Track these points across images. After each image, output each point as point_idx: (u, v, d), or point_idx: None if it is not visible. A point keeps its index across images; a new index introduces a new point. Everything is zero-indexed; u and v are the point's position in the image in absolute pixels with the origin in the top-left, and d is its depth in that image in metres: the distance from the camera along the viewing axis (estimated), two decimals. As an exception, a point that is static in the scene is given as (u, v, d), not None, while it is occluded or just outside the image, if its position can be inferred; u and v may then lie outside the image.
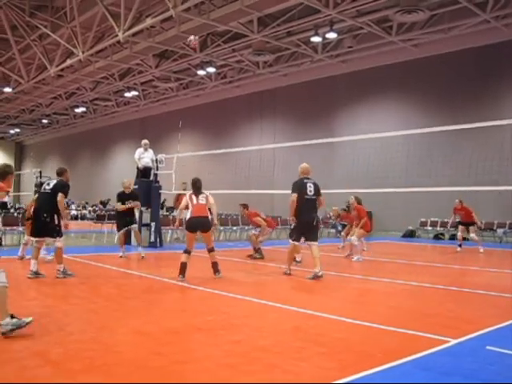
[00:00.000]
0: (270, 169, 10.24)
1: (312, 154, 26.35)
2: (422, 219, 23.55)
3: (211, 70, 28.86)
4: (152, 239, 15.50)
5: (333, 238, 22.86)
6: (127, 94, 35.61)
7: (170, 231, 18.32)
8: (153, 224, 15.55)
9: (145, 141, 16.39)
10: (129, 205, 12.86)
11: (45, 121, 47.08)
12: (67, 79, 30.41)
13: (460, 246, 16.28)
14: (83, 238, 19.78)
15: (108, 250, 14.70)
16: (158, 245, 15.58)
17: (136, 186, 16.06)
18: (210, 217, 9.56)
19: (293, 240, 10.14)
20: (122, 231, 13.06)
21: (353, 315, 6.50)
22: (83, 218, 32.09)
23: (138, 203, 13.16)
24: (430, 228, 23.33)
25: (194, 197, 9.62)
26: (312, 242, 10.01)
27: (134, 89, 34.53)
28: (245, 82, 31.73)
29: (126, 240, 13.48)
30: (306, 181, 9.94)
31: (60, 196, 9.17)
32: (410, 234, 23.80)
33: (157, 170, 16.15)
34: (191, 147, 31.84)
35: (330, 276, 10.45)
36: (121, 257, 12.78)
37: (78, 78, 30.27)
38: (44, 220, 9.15)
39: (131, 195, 13.11)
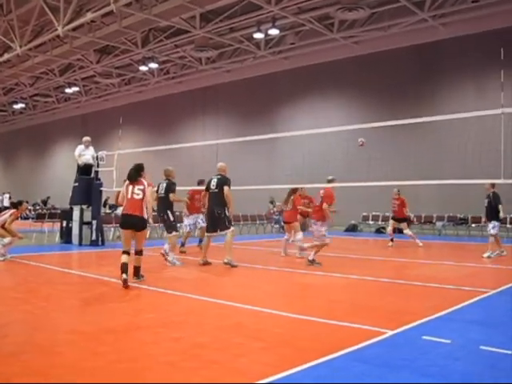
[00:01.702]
0: (213, 165, 10.19)
1: (255, 150, 26.59)
2: (364, 213, 23.96)
3: (153, 65, 28.57)
4: (93, 237, 15.25)
5: (276, 233, 22.98)
6: (68, 90, 34.87)
7: (112, 229, 18.07)
8: (94, 222, 15.30)
9: (86, 138, 16.11)
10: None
11: (-19, 116, 45.80)
12: (5, 74, 29.56)
13: (392, 240, 16.09)
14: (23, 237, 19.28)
15: (48, 249, 14.40)
16: (100, 243, 15.34)
17: (76, 184, 15.82)
18: (145, 215, 8.52)
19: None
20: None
21: (293, 310, 6.56)
22: (26, 217, 31.27)
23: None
24: (371, 222, 23.75)
25: (129, 187, 8.62)
26: (222, 232, 10.92)
27: (75, 84, 33.85)
28: (188, 78, 31.56)
29: None
30: (213, 177, 10.99)
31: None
32: (352, 228, 24.16)
33: (97, 167, 15.89)
34: (133, 144, 31.56)
35: (271, 271, 10.53)
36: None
37: (16, 73, 29.46)
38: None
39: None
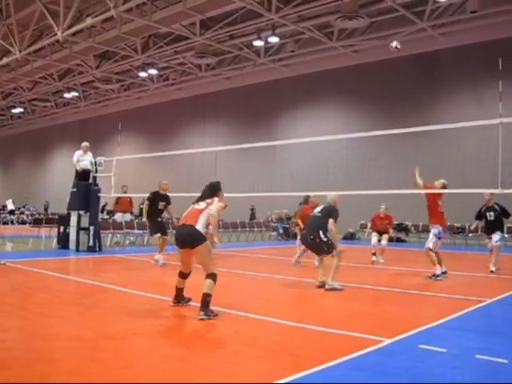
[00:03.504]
0: (212, 171, 10.23)
1: (254, 157, 26.62)
2: (362, 221, 23.95)
3: (153, 71, 28.63)
4: (91, 243, 15.21)
5: (274, 240, 22.99)
6: (67, 95, 34.91)
7: (109, 235, 18.05)
8: (91, 228, 15.27)
9: (85, 143, 16.10)
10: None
11: (-21, 121, 45.78)
12: (3, 78, 29.61)
13: (375, 254, 14.37)
14: (20, 242, 19.28)
15: (46, 254, 14.37)
16: (97, 249, 15.31)
17: (74, 189, 15.79)
18: (199, 227, 6.70)
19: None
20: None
21: (290, 317, 6.55)
22: (24, 222, 31.19)
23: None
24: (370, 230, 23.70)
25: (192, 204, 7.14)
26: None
27: (74, 89, 33.90)
28: (187, 85, 31.62)
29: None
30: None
31: None
32: (350, 237, 24.15)
33: (96, 172, 15.88)
34: (132, 150, 31.58)
35: (269, 278, 10.53)
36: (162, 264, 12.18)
37: (14, 78, 29.52)
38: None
39: (166, 197, 12.70)
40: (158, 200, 12.46)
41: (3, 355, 4.78)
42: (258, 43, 23.84)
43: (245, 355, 4.98)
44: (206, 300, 6.40)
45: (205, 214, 6.76)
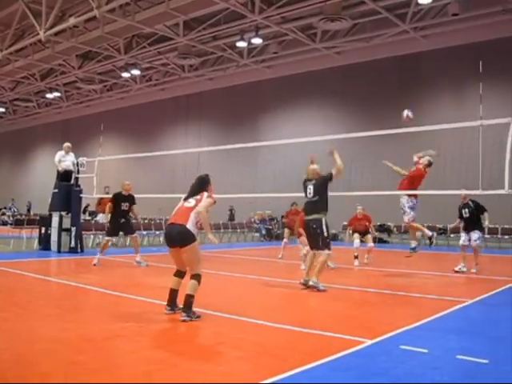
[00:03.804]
0: (195, 172, 10.14)
1: (237, 158, 26.49)
2: (344, 223, 23.99)
3: (136, 72, 28.51)
4: (72, 244, 15.13)
5: (257, 241, 23.01)
6: (49, 95, 34.64)
7: (91, 236, 17.95)
8: (73, 229, 15.18)
9: (66, 144, 16.02)
10: None
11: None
12: (-16, 78, 29.38)
13: (356, 257, 14.00)
14: (0, 243, 19.10)
15: (27, 256, 14.25)
16: (79, 250, 15.22)
17: (56, 190, 15.70)
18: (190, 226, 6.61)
19: None
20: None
21: (271, 319, 6.55)
22: (5, 223, 30.88)
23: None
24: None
25: (182, 201, 6.98)
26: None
27: (57, 90, 33.65)
28: (170, 85, 31.56)
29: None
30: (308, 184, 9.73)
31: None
32: (332, 238, 24.14)
33: (78, 173, 15.79)
34: (115, 150, 31.41)
35: (251, 279, 10.54)
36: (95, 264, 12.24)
37: (-5, 77, 29.30)
38: None
39: (129, 198, 12.84)
40: (120, 201, 12.67)
41: (-18, 358, 4.74)
42: (241, 44, 23.84)
43: (225, 356, 4.98)
44: (188, 301, 6.36)
45: (195, 212, 6.67)
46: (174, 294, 6.84)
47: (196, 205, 6.73)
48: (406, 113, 11.18)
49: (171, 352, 5.10)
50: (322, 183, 9.45)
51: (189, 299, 6.37)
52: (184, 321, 6.23)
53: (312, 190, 9.45)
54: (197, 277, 6.50)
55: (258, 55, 25.97)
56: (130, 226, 13.10)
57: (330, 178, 9.47)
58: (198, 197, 6.84)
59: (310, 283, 9.01)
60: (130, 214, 13.06)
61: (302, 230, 11.63)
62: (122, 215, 12.71)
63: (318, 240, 9.21)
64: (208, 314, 6.77)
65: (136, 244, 12.99)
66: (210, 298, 8.02)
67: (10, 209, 37.39)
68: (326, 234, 9.22)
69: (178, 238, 6.60)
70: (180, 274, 6.91)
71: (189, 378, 4.29)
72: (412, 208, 11.31)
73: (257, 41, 23.29)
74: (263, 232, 23.59)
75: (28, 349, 5.12)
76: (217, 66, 27.71)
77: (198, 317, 6.38)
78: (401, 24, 20.88)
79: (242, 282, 10.54)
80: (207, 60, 27.52)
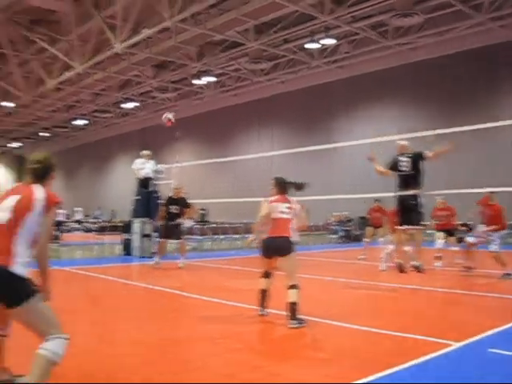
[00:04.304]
0: (268, 176, 10.12)
1: (311, 161, 26.51)
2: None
3: (209, 79, 28.92)
4: (153, 250, 15.47)
5: (334, 243, 22.85)
6: (126, 106, 35.65)
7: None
8: (155, 234, 15.53)
9: (146, 151, 16.42)
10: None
11: (45, 134, 47.09)
12: (66, 92, 30.53)
13: (439, 258, 12.96)
14: (85, 250, 19.77)
15: (110, 261, 14.67)
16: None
17: (137, 197, 16.11)
18: (295, 237, 6.98)
19: None
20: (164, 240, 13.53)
21: (356, 321, 6.49)
22: (88, 230, 31.95)
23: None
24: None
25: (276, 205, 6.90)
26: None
27: (133, 100, 34.56)
28: (242, 91, 31.80)
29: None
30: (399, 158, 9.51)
31: None
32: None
33: (157, 180, 16.16)
34: (191, 157, 31.94)
35: (330, 281, 10.47)
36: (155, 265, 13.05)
37: (76, 91, 30.41)
38: None
39: (179, 201, 13.40)
40: (169, 204, 13.33)
41: (72, 359, 4.91)
42: (312, 46, 23.76)
43: (310, 358, 4.97)
44: (293, 308, 6.32)
45: (293, 222, 6.85)
46: (264, 293, 6.82)
47: (293, 214, 6.88)
48: (166, 116, 10.31)
49: (254, 355, 5.13)
50: (417, 159, 9.19)
51: (292, 307, 6.33)
52: (294, 327, 6.13)
53: (409, 164, 9.19)
54: (295, 287, 6.47)
55: (330, 56, 25.78)
56: (178, 230, 13.53)
57: (423, 156, 9.14)
58: (289, 205, 6.90)
59: (413, 264, 9.09)
60: (182, 218, 13.60)
61: (394, 225, 11.19)
62: (171, 218, 13.27)
63: (415, 215, 9.04)
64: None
65: (182, 249, 13.57)
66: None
67: (95, 217, 38.71)
68: (421, 209, 9.05)
69: (281, 248, 6.68)
70: (268, 275, 6.88)
71: (274, 380, 4.30)
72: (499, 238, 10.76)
73: (328, 41, 23.14)
74: (341, 234, 23.41)
75: (114, 351, 5.28)
76: (288, 68, 27.71)
77: (305, 322, 6.31)
78: (476, 15, 20.23)
79: (322, 283, 10.48)
80: (278, 63, 27.55)
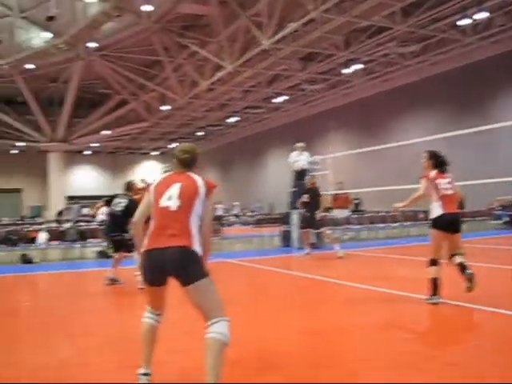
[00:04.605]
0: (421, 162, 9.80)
1: (467, 143, 25.23)
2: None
3: (357, 67, 28.65)
4: (312, 240, 15.66)
5: (498, 229, 21.74)
6: (276, 100, 36.26)
7: (327, 232, 18.35)
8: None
9: (300, 143, 16.63)
10: None
11: (200, 133, 49.16)
12: (218, 91, 31.66)
13: None
14: (244, 242, 20.44)
15: (270, 253, 15.05)
16: (318, 246, 15.72)
17: (294, 189, 16.38)
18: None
19: None
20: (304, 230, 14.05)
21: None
22: (246, 223, 33.02)
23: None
24: None
25: (440, 181, 6.90)
26: None
27: (282, 94, 35.06)
28: (392, 76, 31.05)
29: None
30: None
31: None
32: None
33: (312, 171, 16.32)
34: (343, 147, 31.73)
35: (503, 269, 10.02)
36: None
37: (228, 90, 31.44)
38: None
39: (310, 190, 13.89)
40: (304, 193, 13.90)
41: (246, 346, 5.13)
42: (464, 22, 22.68)
43: (487, 349, 4.82)
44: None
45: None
46: (437, 283, 6.71)
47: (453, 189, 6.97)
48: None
49: (430, 344, 5.05)
50: None
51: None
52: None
53: None
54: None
55: (483, 31, 24.45)
56: (314, 220, 13.72)
57: None
58: (449, 179, 7.01)
59: None
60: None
61: None
62: (306, 207, 13.82)
63: None
64: (460, 306, 6.59)
65: (329, 238, 14.05)
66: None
67: (254, 210, 39.88)
68: None
69: (458, 224, 6.91)
70: (436, 262, 6.77)
71: (451, 372, 4.23)
72: None
73: (481, 16, 21.99)
74: (505, 219, 22.20)
75: (290, 339, 5.45)
76: (438, 49, 26.68)
77: None
78: None
79: (494, 272, 10.02)
80: (428, 44, 26.61)
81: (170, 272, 3.77)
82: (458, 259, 6.62)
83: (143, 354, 3.96)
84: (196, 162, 4.28)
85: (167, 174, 4.20)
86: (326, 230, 14.04)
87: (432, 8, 21.18)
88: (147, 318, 4.05)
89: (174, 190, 3.95)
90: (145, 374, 3.90)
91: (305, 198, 13.68)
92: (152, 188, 4.08)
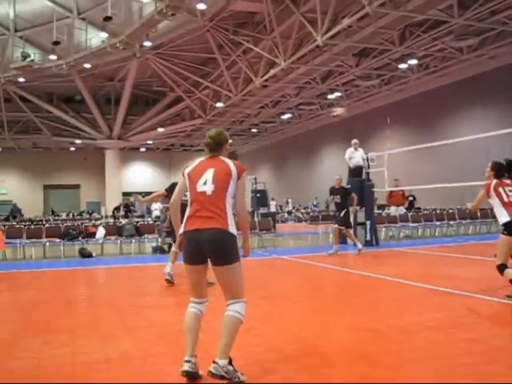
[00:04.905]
0: (482, 159, 9.53)
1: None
2: None
3: (413, 62, 28.21)
4: (368, 237, 15.54)
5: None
6: (330, 96, 36.05)
7: (383, 229, 18.19)
8: (368, 222, 15.59)
9: (354, 140, 16.52)
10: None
11: (254, 130, 49.33)
12: (272, 88, 31.65)
13: None
14: (299, 239, 20.43)
15: (325, 249, 15.00)
16: (374, 243, 15.59)
17: (349, 186, 16.29)
18: None
19: None
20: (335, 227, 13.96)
21: None
22: (300, 220, 33.07)
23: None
24: None
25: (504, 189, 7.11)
26: None
27: (337, 90, 34.83)
28: (449, 71, 30.39)
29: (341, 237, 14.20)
30: None
31: None
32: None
33: (368, 168, 16.19)
34: (400, 143, 31.30)
35: None
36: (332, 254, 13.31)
37: (281, 86, 31.39)
38: None
39: (339, 190, 13.71)
40: (331, 193, 13.89)
41: (305, 342, 5.13)
42: (524, 15, 22.04)
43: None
44: None
45: None
46: None
47: None
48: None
49: (490, 346, 4.94)
50: None
51: None
52: None
53: None
54: None
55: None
56: (344, 219, 13.68)
57: None
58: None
59: None
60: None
61: None
62: (336, 208, 13.77)
63: None
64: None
65: (350, 237, 14.07)
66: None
67: (312, 207, 39.85)
68: None
69: None
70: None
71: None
72: None
73: (541, 7, 21.31)
74: None
75: (347, 337, 5.43)
76: (498, 42, 26.00)
77: None
78: None
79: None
80: (486, 38, 25.96)
81: (208, 252, 4.07)
82: None
83: (186, 342, 4.17)
84: (222, 146, 4.42)
85: (201, 160, 4.42)
86: (349, 230, 14.03)
87: (490, 0, 20.64)
88: (191, 307, 4.30)
89: (209, 174, 4.20)
90: (187, 361, 4.08)
91: (336, 198, 13.59)
92: (186, 173, 4.34)
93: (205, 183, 4.18)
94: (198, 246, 4.10)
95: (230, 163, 4.25)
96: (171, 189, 9.20)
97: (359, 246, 13.43)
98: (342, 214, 13.63)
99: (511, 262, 7.03)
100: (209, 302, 4.37)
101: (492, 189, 7.07)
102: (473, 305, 6.84)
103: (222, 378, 3.96)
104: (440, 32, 23.96)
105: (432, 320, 5.96)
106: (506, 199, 6.96)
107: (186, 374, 4.03)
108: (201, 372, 4.10)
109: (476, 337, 5.22)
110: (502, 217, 6.95)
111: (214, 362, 3.99)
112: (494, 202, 7.07)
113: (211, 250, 4.05)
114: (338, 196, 13.58)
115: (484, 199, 7.33)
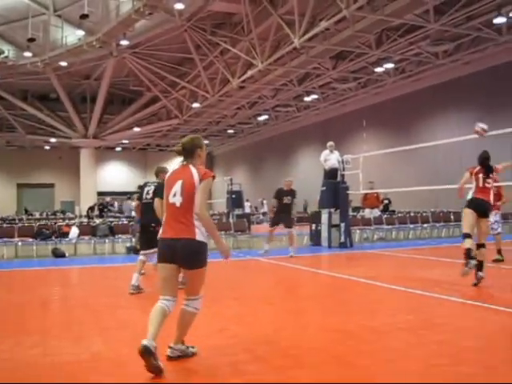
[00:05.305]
0: (457, 163, 9.62)
1: (503, 145, 24.78)
2: None
3: (389, 65, 28.40)
4: (342, 239, 15.62)
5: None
6: (307, 99, 36.14)
7: (357, 231, 18.29)
8: (342, 224, 15.67)
9: (330, 143, 16.59)
10: None
11: (230, 131, 49.25)
12: (249, 89, 31.66)
13: None
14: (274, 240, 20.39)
15: (299, 251, 15.02)
16: (349, 245, 15.67)
17: (324, 188, 16.37)
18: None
19: None
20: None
21: None
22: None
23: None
24: None
25: (481, 176, 8.56)
26: None
27: (313, 92, 34.94)
28: (424, 75, 30.67)
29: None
30: None
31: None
32: None
33: (343, 170, 16.27)
34: (375, 146, 31.46)
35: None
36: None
37: (258, 88, 31.42)
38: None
39: (290, 192, 13.89)
40: (280, 195, 13.84)
41: (280, 345, 5.13)
42: (499, 20, 22.26)
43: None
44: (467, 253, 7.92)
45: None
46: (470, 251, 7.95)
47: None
48: (479, 126, 9.60)
49: (460, 347, 4.98)
50: None
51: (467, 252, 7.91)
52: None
53: None
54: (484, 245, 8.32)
55: (519, 29, 24.00)
56: (288, 219, 13.93)
57: None
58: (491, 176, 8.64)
59: None
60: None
61: None
62: (282, 209, 13.75)
63: None
64: (490, 309, 6.51)
65: (291, 239, 13.91)
66: (488, 291, 7.70)
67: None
68: None
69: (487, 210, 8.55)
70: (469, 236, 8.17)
71: (490, 374, 4.17)
72: None
73: (516, 14, 21.59)
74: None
75: (315, 337, 5.45)
76: (473, 48, 26.28)
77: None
78: None
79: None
80: (462, 43, 26.24)
81: (179, 258, 4.42)
82: None
83: (148, 330, 4.27)
84: (194, 152, 4.62)
85: (177, 167, 4.66)
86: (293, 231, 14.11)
87: (466, 6, 20.86)
88: (159, 302, 4.49)
89: (177, 187, 4.49)
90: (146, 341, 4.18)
91: (286, 199, 13.77)
92: (166, 179, 4.66)
93: (174, 195, 4.49)
94: (171, 253, 4.45)
95: (195, 173, 4.48)
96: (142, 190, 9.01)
97: (291, 252, 13.51)
98: (290, 216, 14.02)
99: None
100: (177, 302, 4.53)
101: (474, 173, 8.59)
102: (443, 306, 6.90)
103: (179, 357, 4.54)
104: (416, 37, 24.18)
105: (404, 321, 6.00)
106: (480, 184, 8.46)
107: (144, 348, 4.09)
108: (161, 364, 4.20)
109: (447, 338, 5.25)
110: (469, 195, 8.60)
111: (169, 347, 4.54)
112: (472, 184, 8.56)
113: (183, 257, 4.41)
114: (289, 197, 13.75)
115: (468, 180, 8.65)
